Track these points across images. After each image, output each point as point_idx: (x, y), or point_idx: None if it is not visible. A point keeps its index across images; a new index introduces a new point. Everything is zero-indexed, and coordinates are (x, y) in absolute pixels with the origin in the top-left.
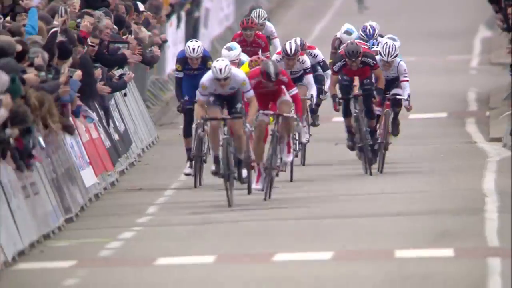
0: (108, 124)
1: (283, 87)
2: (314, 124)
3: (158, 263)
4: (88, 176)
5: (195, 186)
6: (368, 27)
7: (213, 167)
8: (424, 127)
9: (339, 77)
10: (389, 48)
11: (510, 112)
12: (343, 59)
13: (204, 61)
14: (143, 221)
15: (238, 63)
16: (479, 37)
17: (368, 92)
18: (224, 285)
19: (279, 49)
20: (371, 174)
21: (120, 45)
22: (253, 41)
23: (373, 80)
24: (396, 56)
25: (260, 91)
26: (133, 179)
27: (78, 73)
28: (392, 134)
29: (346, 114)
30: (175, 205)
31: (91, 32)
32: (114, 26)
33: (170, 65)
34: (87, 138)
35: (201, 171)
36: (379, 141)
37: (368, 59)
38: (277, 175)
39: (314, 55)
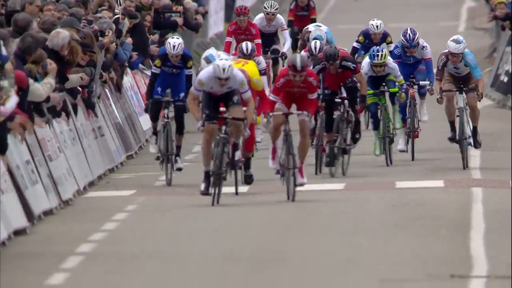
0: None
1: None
2: None
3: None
4: (145, 121)
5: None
6: (409, 32)
7: (202, 186)
8: None
9: (322, 91)
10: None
11: (490, 68)
12: (323, 62)
13: (184, 60)
14: (190, 158)
15: None
16: (465, 7)
17: (353, 94)
18: (254, 209)
19: (288, 40)
20: (333, 176)
21: (172, 14)
22: (246, 29)
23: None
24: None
25: (286, 90)
26: None
27: (129, 40)
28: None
29: (328, 129)
30: None
31: (150, 3)
32: None
33: (212, 30)
34: (145, 89)
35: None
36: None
37: (348, 63)
38: (293, 174)
39: None
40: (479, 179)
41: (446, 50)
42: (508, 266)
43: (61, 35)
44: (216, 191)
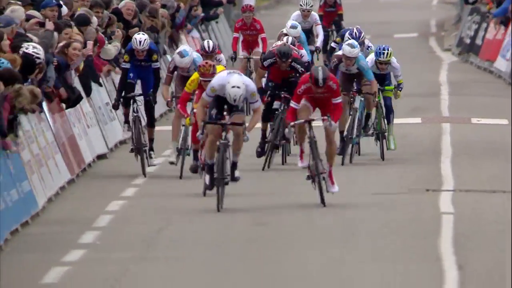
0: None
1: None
2: None
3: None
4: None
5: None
6: (355, 30)
7: (207, 180)
8: (404, 42)
9: (266, 83)
10: None
11: (456, 33)
12: (274, 57)
13: (150, 54)
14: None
15: (188, 69)
16: None
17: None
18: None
19: (321, 34)
20: (269, 167)
21: None
22: (251, 25)
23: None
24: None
25: (310, 96)
26: None
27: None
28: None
29: (266, 119)
30: None
31: None
32: None
33: (245, 2)
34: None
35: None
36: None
37: (298, 66)
38: (323, 178)
39: (301, 55)
40: (447, 116)
41: (340, 53)
42: (469, 182)
43: (123, 2)
44: (220, 196)
